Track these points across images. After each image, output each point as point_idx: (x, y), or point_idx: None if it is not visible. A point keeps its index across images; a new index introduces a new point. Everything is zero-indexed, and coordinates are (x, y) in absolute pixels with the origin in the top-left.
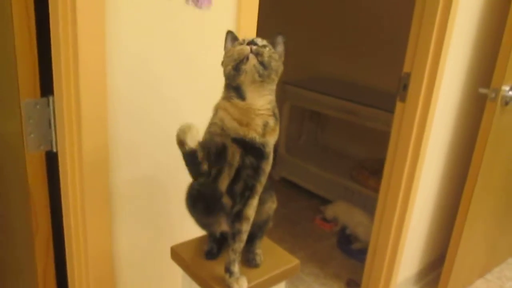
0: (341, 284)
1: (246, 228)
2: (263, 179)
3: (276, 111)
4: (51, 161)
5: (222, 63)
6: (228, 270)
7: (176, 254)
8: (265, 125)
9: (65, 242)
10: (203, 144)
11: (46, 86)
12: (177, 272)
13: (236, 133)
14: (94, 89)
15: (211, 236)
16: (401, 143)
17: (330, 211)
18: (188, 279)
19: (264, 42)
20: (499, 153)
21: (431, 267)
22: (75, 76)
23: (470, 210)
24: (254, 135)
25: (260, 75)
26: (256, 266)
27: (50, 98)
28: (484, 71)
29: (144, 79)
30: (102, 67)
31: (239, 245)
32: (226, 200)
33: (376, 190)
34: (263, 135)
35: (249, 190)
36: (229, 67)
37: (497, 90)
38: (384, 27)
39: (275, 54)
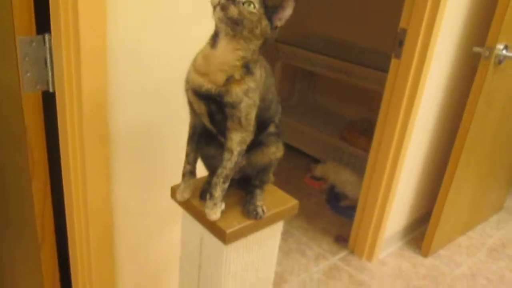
0: (330, 239)
1: (228, 156)
2: (240, 122)
3: (252, 65)
4: (47, 102)
5: None
6: (209, 192)
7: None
8: (228, 79)
9: (63, 185)
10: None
11: (42, 24)
12: (176, 212)
13: (194, 84)
14: (94, 26)
15: (209, 175)
16: (394, 100)
17: (319, 171)
18: (188, 217)
19: None
20: (490, 112)
21: (416, 224)
22: (74, 12)
23: (457, 169)
24: (209, 86)
25: (231, 29)
26: (257, 217)
27: (46, 36)
28: (478, 30)
29: (149, 18)
30: (102, 3)
31: (222, 170)
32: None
33: (366, 149)
34: (225, 85)
35: (228, 129)
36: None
37: (491, 49)
38: None
39: (253, 14)
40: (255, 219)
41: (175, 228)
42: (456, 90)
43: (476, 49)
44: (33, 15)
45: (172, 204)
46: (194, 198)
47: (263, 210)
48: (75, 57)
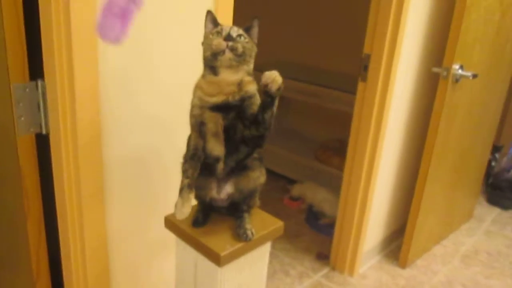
0: (311, 256)
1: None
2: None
3: (252, 74)
4: (40, 143)
5: (202, 44)
6: None
7: (170, 222)
8: (240, 83)
9: (57, 222)
10: (191, 127)
11: (34, 70)
12: (169, 241)
13: (209, 103)
14: (87, 71)
15: (200, 204)
16: (363, 121)
17: (296, 191)
18: (182, 244)
19: (240, 31)
20: (452, 126)
21: (393, 237)
22: (68, 59)
23: (427, 182)
24: (224, 97)
25: (236, 61)
26: (247, 239)
27: (39, 82)
28: (436, 52)
29: (136, 61)
30: (94, 49)
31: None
32: (220, 165)
33: (340, 168)
34: (240, 89)
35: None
36: (207, 54)
37: (448, 69)
38: (343, 12)
39: (248, 42)
40: (246, 241)
41: (170, 256)
42: (420, 108)
43: (435, 69)
44: (26, 63)
45: (165, 233)
46: (187, 225)
47: (252, 233)
48: (69, 101)
